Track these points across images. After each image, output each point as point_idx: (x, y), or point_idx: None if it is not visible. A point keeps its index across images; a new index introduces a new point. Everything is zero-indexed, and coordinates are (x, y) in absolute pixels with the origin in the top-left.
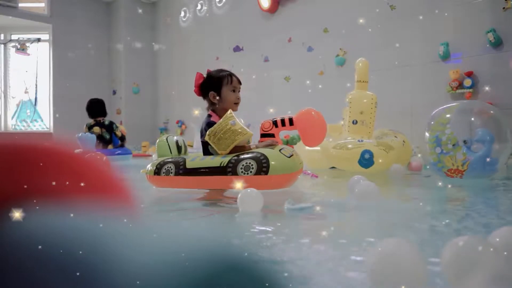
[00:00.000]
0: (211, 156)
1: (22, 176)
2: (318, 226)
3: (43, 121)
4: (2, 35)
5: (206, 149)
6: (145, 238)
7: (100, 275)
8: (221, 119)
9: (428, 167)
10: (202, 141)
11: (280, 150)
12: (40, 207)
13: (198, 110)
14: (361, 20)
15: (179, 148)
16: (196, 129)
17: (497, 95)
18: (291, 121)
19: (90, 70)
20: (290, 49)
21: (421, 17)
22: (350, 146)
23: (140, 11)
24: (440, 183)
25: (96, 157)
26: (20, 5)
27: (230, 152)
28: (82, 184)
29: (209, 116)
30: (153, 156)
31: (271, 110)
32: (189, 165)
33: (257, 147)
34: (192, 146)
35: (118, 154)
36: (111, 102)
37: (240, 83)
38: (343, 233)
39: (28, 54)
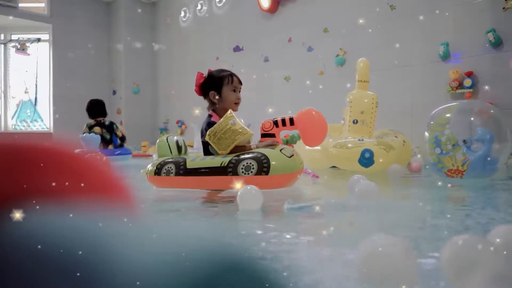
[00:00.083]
0: (212, 156)
1: (22, 176)
2: (317, 225)
3: (43, 121)
4: (2, 35)
5: (207, 149)
6: (145, 238)
7: (100, 275)
8: (221, 119)
9: (427, 167)
10: (202, 141)
11: (280, 150)
12: (40, 207)
13: (199, 109)
14: (361, 20)
15: (179, 148)
16: (196, 129)
17: (497, 95)
18: (291, 121)
19: (90, 70)
20: (290, 49)
21: (421, 17)
22: (350, 145)
23: (139, 10)
24: (440, 183)
25: (96, 157)
26: (20, 5)
27: (231, 152)
28: (82, 184)
29: (210, 116)
30: (154, 156)
31: (270, 110)
32: (189, 165)
33: (257, 147)
34: (192, 146)
35: (118, 154)
36: (111, 102)
37: (240, 83)
38: (343, 233)
39: (28, 54)
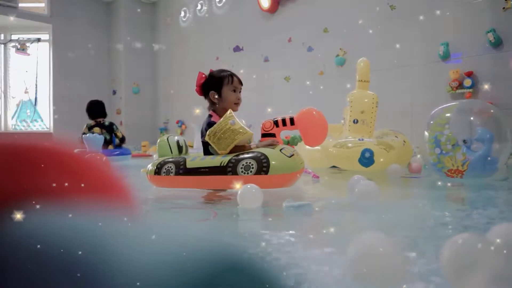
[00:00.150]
0: (211, 156)
1: (22, 176)
2: (317, 225)
3: (43, 121)
4: (2, 35)
5: (207, 149)
6: (145, 238)
7: (100, 275)
8: (221, 119)
9: (426, 166)
10: (202, 141)
11: (280, 150)
12: (40, 207)
13: (199, 109)
14: (361, 20)
15: (180, 148)
16: (196, 129)
17: (497, 95)
18: (292, 120)
19: (90, 70)
20: (290, 49)
21: (421, 17)
22: (350, 144)
23: (139, 10)
24: (439, 183)
25: (96, 157)
26: (20, 5)
27: (231, 152)
28: (82, 184)
29: (210, 116)
30: (154, 156)
31: (269, 110)
32: (189, 165)
33: (257, 147)
34: (192, 146)
35: (117, 154)
36: (111, 102)
37: (241, 83)
38: (343, 232)
39: (28, 54)
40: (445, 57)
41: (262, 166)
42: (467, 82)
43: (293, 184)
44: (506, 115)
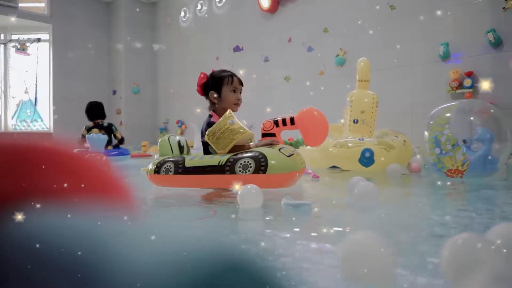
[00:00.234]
0: (210, 155)
1: (22, 176)
2: (317, 225)
3: (43, 121)
4: (2, 35)
5: (207, 149)
6: (145, 238)
7: (100, 275)
8: (220, 119)
9: (426, 166)
10: (202, 141)
11: (279, 150)
12: (40, 207)
13: (200, 109)
14: (361, 21)
15: (181, 148)
16: (196, 129)
17: (497, 95)
18: (292, 120)
19: (90, 70)
20: (290, 49)
21: (421, 17)
22: (350, 144)
23: (137, 9)
24: (439, 183)
25: (96, 157)
26: (20, 5)
27: (230, 152)
28: (82, 184)
29: (210, 116)
30: (155, 156)
31: (268, 109)
32: (188, 164)
33: (256, 147)
34: (192, 146)
35: (115, 154)
36: (111, 102)
37: (241, 84)
38: (342, 233)
39: (28, 54)
40: (445, 57)
41: (260, 165)
42: (467, 82)
43: (292, 184)
44: (506, 115)
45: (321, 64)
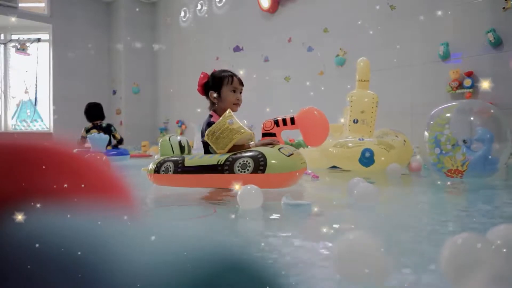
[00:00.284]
0: (210, 155)
1: (22, 176)
2: (317, 225)
3: (43, 121)
4: (2, 35)
5: (207, 149)
6: (145, 238)
7: (100, 275)
8: (219, 119)
9: (425, 166)
10: (202, 141)
11: (279, 149)
12: (40, 207)
13: (200, 108)
14: (361, 21)
15: (182, 148)
16: (196, 129)
17: (497, 95)
18: (292, 120)
19: (90, 70)
20: (290, 49)
21: (421, 17)
22: (350, 144)
23: (137, 9)
24: (439, 182)
25: (96, 157)
26: (20, 5)
27: (230, 151)
28: (82, 184)
29: (210, 116)
30: (155, 156)
31: (267, 109)
32: (187, 163)
33: (256, 146)
34: (192, 146)
35: (114, 155)
36: (111, 102)
37: (241, 84)
38: (342, 233)
39: (28, 54)
40: (445, 57)
41: (259, 165)
42: (467, 82)
43: (292, 184)
44: (506, 115)
45: (321, 64)
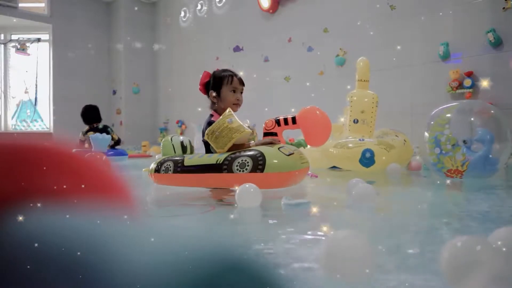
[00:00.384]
0: (209, 154)
1: (22, 176)
2: (317, 224)
3: (43, 121)
4: (2, 35)
5: (208, 149)
6: (145, 238)
7: (100, 275)
8: (219, 118)
9: (425, 166)
10: (203, 141)
11: (279, 148)
12: (40, 207)
13: (201, 108)
14: (361, 21)
15: (184, 148)
16: (196, 129)
17: (497, 95)
18: (294, 119)
19: (90, 70)
20: (290, 49)
21: (421, 17)
22: (351, 145)
23: (136, 8)
24: (438, 183)
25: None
26: (20, 5)
27: (230, 151)
28: (81, 184)
29: (211, 115)
30: (156, 156)
31: (266, 109)
32: (187, 162)
33: (256, 146)
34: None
35: (111, 155)
36: (111, 102)
37: (242, 84)
38: (341, 232)
39: (28, 54)
40: (445, 57)
41: (258, 164)
42: (467, 82)
43: (292, 184)
44: (506, 115)
45: (321, 64)
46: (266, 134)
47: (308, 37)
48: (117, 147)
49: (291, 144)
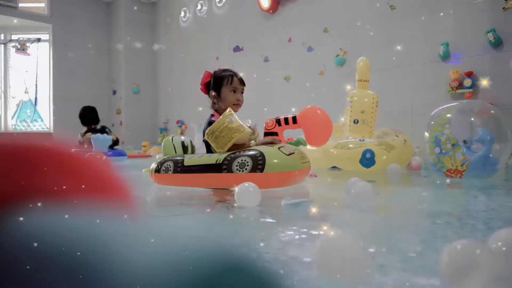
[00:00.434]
0: (209, 154)
1: (22, 176)
2: (316, 224)
3: (43, 121)
4: (2, 35)
5: (209, 149)
6: (145, 238)
7: (100, 275)
8: (219, 117)
9: (424, 165)
10: (204, 141)
11: (279, 148)
12: (40, 207)
13: (201, 108)
14: (361, 21)
15: (185, 148)
16: (196, 129)
17: (497, 95)
18: (294, 119)
19: (90, 70)
20: (290, 49)
21: (421, 17)
22: (351, 145)
23: (135, 8)
24: (438, 182)
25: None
26: (20, 5)
27: (230, 150)
28: (81, 184)
29: (212, 115)
30: (156, 156)
31: (265, 109)
32: (186, 162)
33: (256, 145)
34: None
35: (110, 155)
36: (111, 102)
37: (242, 84)
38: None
39: (28, 54)
40: (445, 57)
41: (257, 164)
42: (467, 82)
43: (293, 184)
44: (506, 115)
45: (321, 64)
46: (266, 134)
47: (308, 37)
48: (115, 147)
49: (290, 143)
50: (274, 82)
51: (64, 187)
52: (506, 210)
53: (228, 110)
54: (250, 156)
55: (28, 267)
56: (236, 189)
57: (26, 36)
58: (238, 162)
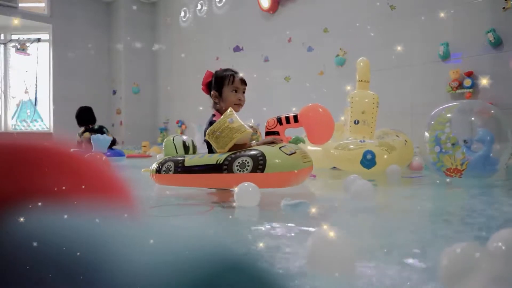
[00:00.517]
0: (209, 154)
1: (22, 176)
2: (316, 224)
3: (43, 121)
4: (2, 35)
5: (210, 149)
6: (145, 238)
7: (100, 275)
8: (220, 117)
9: (425, 164)
10: (205, 141)
11: (280, 148)
12: (40, 207)
13: (202, 107)
14: (361, 21)
15: (186, 148)
16: (196, 129)
17: (497, 95)
18: (295, 118)
19: (90, 70)
20: (290, 49)
21: (421, 17)
22: (352, 146)
23: (135, 8)
24: (438, 182)
25: (95, 157)
26: (20, 5)
27: (231, 150)
28: (81, 184)
29: (213, 115)
30: (157, 156)
31: (264, 109)
32: (187, 163)
33: (257, 145)
34: None
35: (108, 156)
36: (111, 102)
37: (244, 83)
38: (342, 232)
39: (28, 54)
40: (445, 57)
41: (258, 164)
42: (467, 82)
43: (294, 184)
44: (506, 115)
45: (321, 64)
46: (268, 133)
47: (308, 37)
48: (113, 147)
49: (289, 143)
50: (274, 82)
51: (64, 187)
52: (506, 210)
53: (229, 110)
54: (251, 156)
55: (28, 267)
56: (236, 189)
57: (26, 36)
58: (239, 163)
